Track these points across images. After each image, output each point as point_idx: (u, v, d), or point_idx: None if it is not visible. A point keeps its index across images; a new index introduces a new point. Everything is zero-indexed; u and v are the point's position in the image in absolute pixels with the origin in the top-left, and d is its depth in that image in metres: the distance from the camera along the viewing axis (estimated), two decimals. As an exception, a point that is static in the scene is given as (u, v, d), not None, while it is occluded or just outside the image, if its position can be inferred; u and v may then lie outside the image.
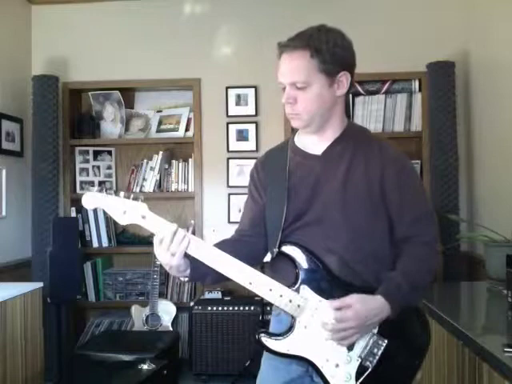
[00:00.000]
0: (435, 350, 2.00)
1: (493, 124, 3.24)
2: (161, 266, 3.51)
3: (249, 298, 3.29)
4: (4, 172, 3.49)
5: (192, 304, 3.48)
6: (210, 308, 3.40)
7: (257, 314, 3.32)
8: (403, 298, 1.39)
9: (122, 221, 1.41)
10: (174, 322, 3.56)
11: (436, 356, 2.00)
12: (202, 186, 3.82)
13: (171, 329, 3.51)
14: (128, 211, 1.40)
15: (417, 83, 3.65)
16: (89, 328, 3.80)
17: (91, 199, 1.42)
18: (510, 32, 2.96)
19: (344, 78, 1.47)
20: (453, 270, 3.29)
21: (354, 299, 1.36)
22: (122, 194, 1.41)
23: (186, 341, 3.63)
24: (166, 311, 3.54)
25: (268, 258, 1.56)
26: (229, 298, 3.49)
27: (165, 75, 3.84)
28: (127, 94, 3.98)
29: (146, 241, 3.77)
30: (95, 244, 3.84)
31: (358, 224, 1.44)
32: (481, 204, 3.43)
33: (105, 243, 3.85)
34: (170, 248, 1.37)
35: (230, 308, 3.37)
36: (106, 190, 1.43)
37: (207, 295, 3.56)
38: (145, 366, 2.60)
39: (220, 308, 3.39)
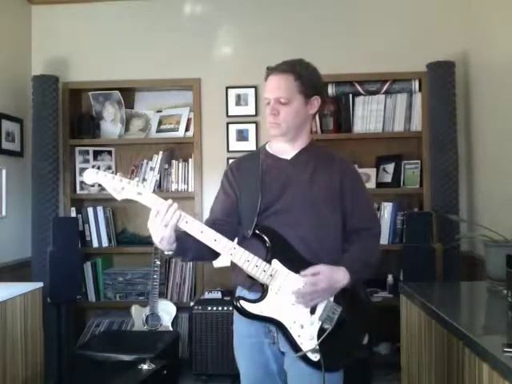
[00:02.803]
0: (435, 349, 2.00)
1: (493, 124, 3.24)
2: (160, 266, 3.55)
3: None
4: (4, 172, 3.50)
5: (192, 304, 3.48)
6: (209, 308, 3.40)
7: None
8: (358, 273, 1.75)
9: (120, 196, 1.64)
10: (174, 322, 3.57)
11: (436, 356, 2.00)
12: (202, 186, 3.82)
13: (171, 329, 3.51)
14: (126, 188, 1.63)
15: (417, 83, 3.65)
16: (89, 328, 3.81)
17: (92, 175, 1.65)
18: (510, 32, 2.96)
19: (316, 101, 1.83)
20: (453, 269, 3.30)
21: (322, 267, 1.68)
22: (118, 174, 1.64)
23: (185, 341, 3.63)
24: (166, 311, 3.54)
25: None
26: (229, 298, 3.48)
27: (165, 75, 3.84)
28: (127, 94, 3.99)
29: (146, 241, 3.77)
30: (95, 244, 3.84)
31: (319, 215, 1.76)
32: (481, 204, 3.43)
33: (105, 243, 3.84)
34: (164, 219, 1.59)
35: (230, 308, 3.36)
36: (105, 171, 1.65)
37: (207, 295, 3.56)
38: (145, 366, 2.59)
39: (220, 308, 3.39)
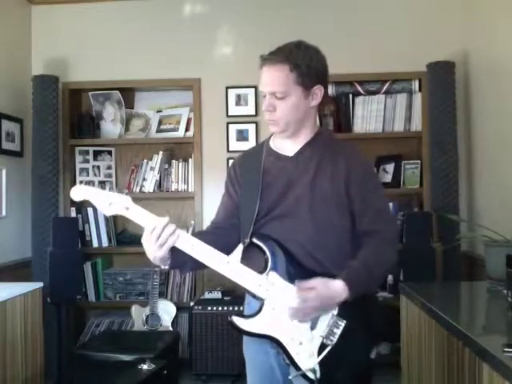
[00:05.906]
0: (435, 349, 2.00)
1: (493, 124, 3.24)
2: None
3: (249, 298, 3.28)
4: (4, 172, 3.50)
5: (192, 304, 3.48)
6: (209, 308, 3.40)
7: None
8: (361, 284, 1.54)
9: (108, 212, 1.55)
10: (174, 322, 3.57)
11: (436, 356, 2.00)
12: (202, 186, 3.82)
13: (171, 329, 3.51)
14: (113, 203, 1.54)
15: (417, 83, 3.65)
16: (89, 328, 3.81)
17: (79, 191, 1.56)
18: (510, 32, 2.96)
19: (318, 91, 1.64)
20: (453, 269, 3.30)
21: (316, 282, 1.50)
22: (107, 188, 1.52)
23: (185, 341, 3.63)
24: (166, 311, 3.54)
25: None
26: (229, 298, 3.49)
27: (165, 75, 3.84)
28: (127, 93, 3.99)
29: (146, 241, 3.76)
30: (95, 244, 3.84)
31: (323, 218, 1.60)
32: (481, 204, 3.43)
33: (105, 243, 3.84)
34: (159, 239, 1.49)
35: (230, 308, 3.37)
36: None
37: (207, 295, 3.56)
38: (145, 366, 2.60)
39: (220, 308, 3.39)
